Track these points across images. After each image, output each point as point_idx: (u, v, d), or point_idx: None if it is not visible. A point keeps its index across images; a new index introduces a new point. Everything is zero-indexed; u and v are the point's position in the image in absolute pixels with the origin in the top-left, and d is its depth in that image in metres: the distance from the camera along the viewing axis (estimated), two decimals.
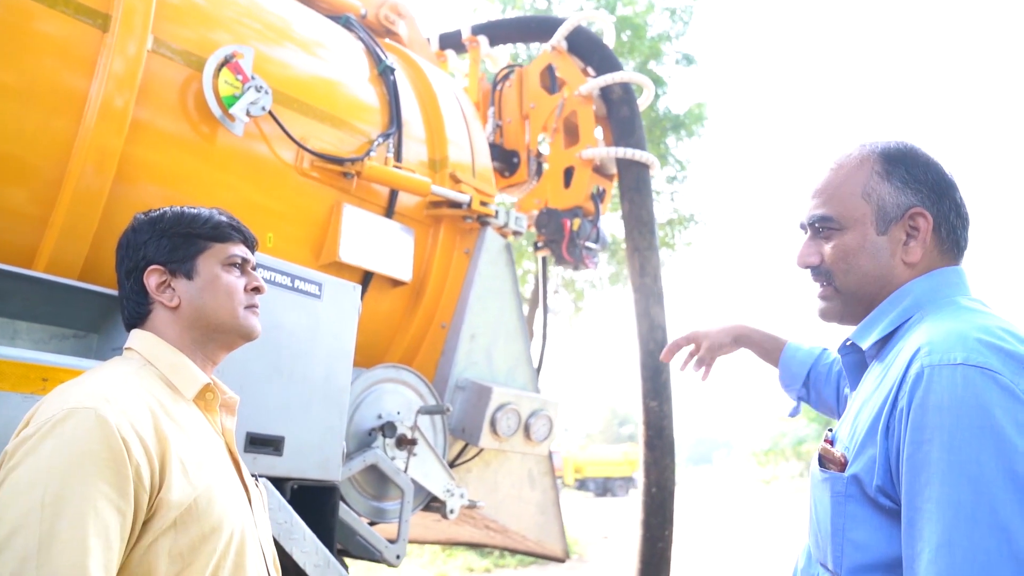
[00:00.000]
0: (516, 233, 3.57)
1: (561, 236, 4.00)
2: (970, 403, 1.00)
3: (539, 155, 4.32)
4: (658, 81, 12.18)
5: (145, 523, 1.07)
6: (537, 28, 4.60)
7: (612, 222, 11.45)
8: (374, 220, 2.96)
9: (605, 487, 31.17)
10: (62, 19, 2.16)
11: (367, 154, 2.89)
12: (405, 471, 2.72)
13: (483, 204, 3.31)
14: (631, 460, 31.51)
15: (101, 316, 2.22)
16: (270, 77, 2.62)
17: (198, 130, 2.45)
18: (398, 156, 3.11)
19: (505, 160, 4.28)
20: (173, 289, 1.31)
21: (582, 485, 31.27)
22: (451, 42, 4.61)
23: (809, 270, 1.35)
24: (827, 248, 1.30)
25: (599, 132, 4.20)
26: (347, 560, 2.70)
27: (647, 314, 3.88)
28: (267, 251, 2.53)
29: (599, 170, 4.14)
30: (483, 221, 3.37)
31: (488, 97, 4.44)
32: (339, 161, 2.82)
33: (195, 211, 1.35)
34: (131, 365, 1.25)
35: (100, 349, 2.22)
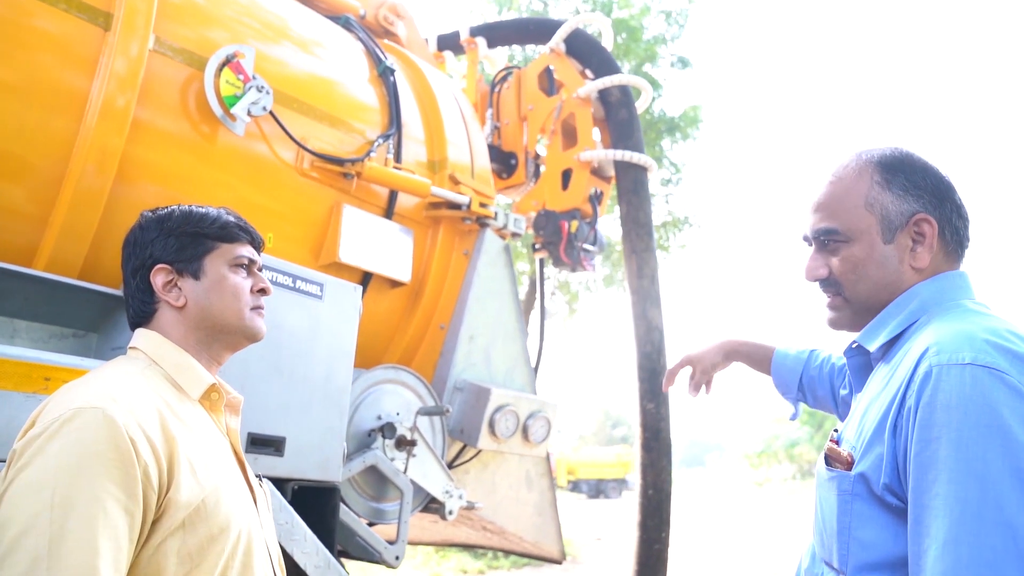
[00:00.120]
0: (515, 235, 3.58)
1: (559, 238, 4.01)
2: (978, 402, 1.01)
3: (537, 157, 4.33)
4: (653, 84, 12.21)
5: (154, 523, 1.07)
6: (535, 30, 4.61)
7: (607, 224, 11.48)
8: (373, 221, 2.96)
9: (598, 489, 31.17)
10: (64, 17, 2.16)
11: (367, 155, 2.89)
12: (404, 472, 2.72)
13: (482, 206, 3.31)
14: (624, 462, 31.53)
15: (101, 315, 2.21)
16: (271, 77, 2.61)
17: (199, 130, 2.45)
18: (398, 157, 3.11)
19: (503, 162, 4.28)
20: (179, 289, 1.31)
21: (575, 487, 31.25)
22: (449, 43, 4.61)
23: (817, 283, 1.36)
24: (835, 260, 1.31)
25: (597, 134, 4.21)
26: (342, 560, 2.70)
27: (644, 316, 3.88)
28: (267, 251, 2.53)
29: (597, 172, 4.15)
30: (482, 222, 3.38)
31: (486, 99, 4.44)
32: (339, 162, 2.82)
33: (203, 210, 1.35)
34: (136, 365, 1.25)
35: (100, 348, 2.21)
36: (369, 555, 2.57)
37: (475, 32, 4.54)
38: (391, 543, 2.63)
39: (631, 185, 4.00)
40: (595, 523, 17.29)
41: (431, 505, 2.97)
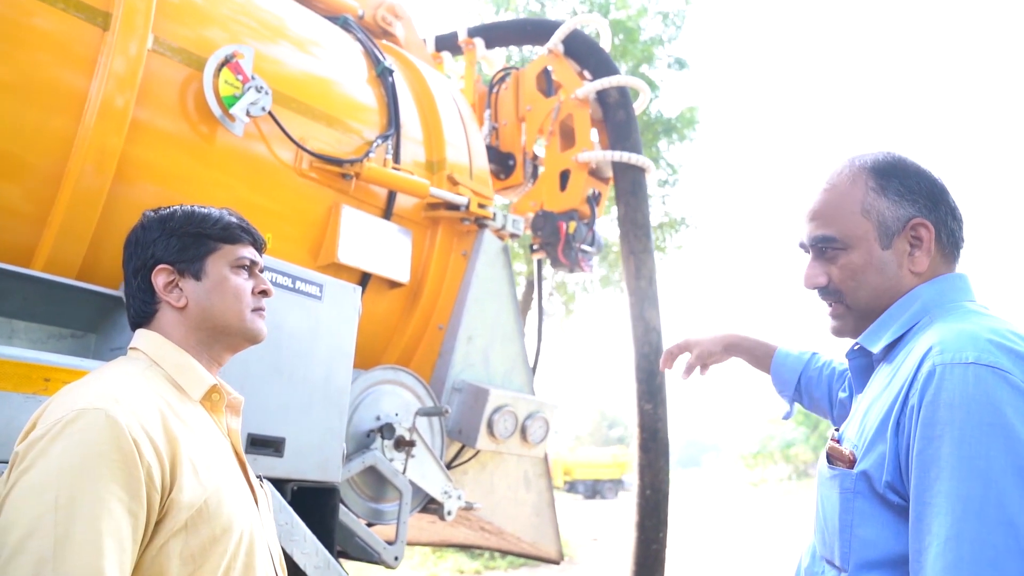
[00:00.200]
0: (513, 235, 3.58)
1: (557, 239, 4.01)
2: (981, 400, 1.02)
3: (535, 158, 4.33)
4: (650, 85, 12.23)
5: (157, 524, 1.06)
6: (534, 31, 4.61)
7: (604, 225, 11.48)
8: (372, 221, 2.96)
9: (594, 489, 31.17)
10: (63, 17, 2.15)
11: (366, 155, 2.89)
12: (403, 473, 2.72)
13: (481, 206, 3.31)
14: (620, 462, 31.53)
15: (99, 316, 2.21)
16: (269, 77, 2.61)
17: (198, 130, 2.45)
18: (396, 158, 3.11)
19: (501, 162, 4.28)
20: (181, 289, 1.30)
21: (571, 487, 31.25)
22: (447, 44, 4.61)
23: (817, 291, 1.36)
24: (833, 268, 1.32)
25: (595, 135, 4.22)
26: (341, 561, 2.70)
27: (642, 317, 3.89)
28: (266, 252, 2.53)
29: (595, 173, 4.15)
30: (481, 223, 3.38)
31: (484, 99, 4.45)
32: (338, 162, 2.82)
33: (205, 211, 1.34)
34: (137, 365, 1.24)
35: (98, 349, 2.21)
36: (368, 555, 2.57)
37: (473, 33, 4.54)
38: (390, 543, 2.63)
39: (629, 186, 4.01)
40: (591, 523, 17.31)
41: (430, 506, 2.97)
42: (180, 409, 1.20)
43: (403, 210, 3.15)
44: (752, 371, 1.93)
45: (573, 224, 4.00)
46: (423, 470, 2.85)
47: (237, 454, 1.32)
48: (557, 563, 3.80)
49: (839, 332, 1.38)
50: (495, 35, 4.63)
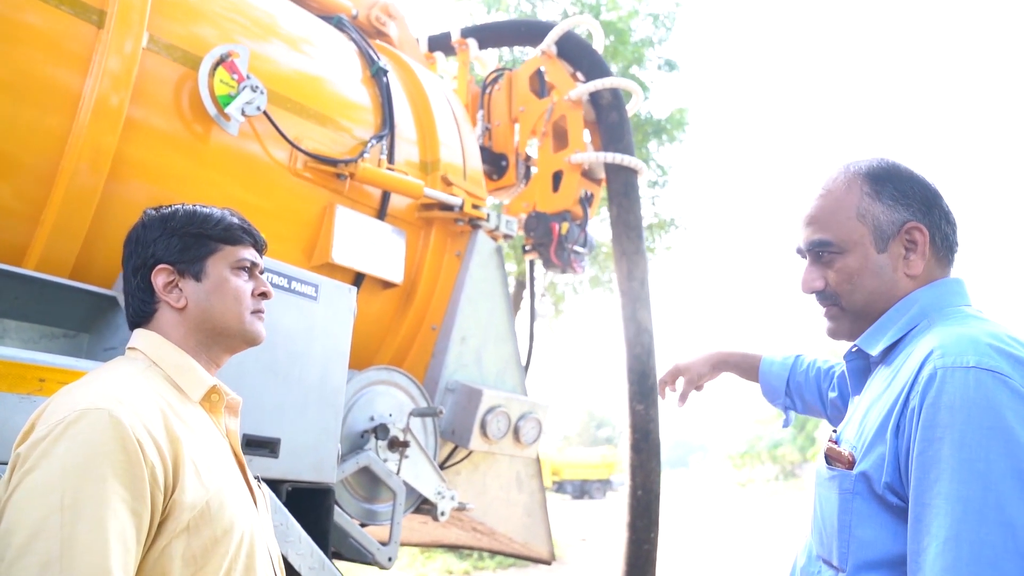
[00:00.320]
0: (507, 236, 3.59)
1: (549, 240, 4.01)
2: (981, 404, 1.04)
3: (527, 158, 4.33)
4: (641, 86, 12.24)
5: (159, 525, 1.06)
6: (527, 32, 4.61)
7: (594, 226, 11.49)
8: (366, 222, 2.96)
9: (582, 489, 31.23)
10: (57, 14, 2.14)
11: (361, 155, 2.89)
12: (397, 473, 2.72)
13: (475, 207, 3.31)
14: (608, 463, 31.60)
15: (92, 316, 2.19)
16: (264, 76, 2.60)
17: (192, 129, 2.44)
18: (391, 158, 3.11)
19: (493, 163, 4.28)
20: (180, 290, 1.29)
21: (560, 488, 31.29)
22: (440, 44, 4.61)
23: (814, 295, 1.38)
24: (830, 272, 1.34)
25: (587, 136, 4.23)
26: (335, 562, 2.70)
27: (634, 318, 3.90)
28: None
29: (587, 174, 4.16)
30: (474, 224, 3.38)
31: (477, 100, 4.45)
32: (333, 162, 2.81)
33: (207, 211, 1.34)
34: (136, 366, 1.23)
35: (91, 349, 2.19)
36: (362, 556, 2.56)
37: (466, 33, 4.54)
38: (383, 544, 2.63)
39: (622, 187, 4.02)
40: (580, 524, 17.34)
41: (423, 506, 2.97)
42: (180, 410, 1.19)
43: (397, 210, 3.15)
44: (717, 378, 1.98)
45: (566, 225, 4.00)
46: (417, 471, 2.85)
47: (236, 455, 1.32)
48: (548, 563, 3.80)
49: (835, 334, 1.39)
50: (488, 36, 4.63)
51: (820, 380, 1.77)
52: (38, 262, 2.17)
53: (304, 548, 2.07)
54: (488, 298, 3.41)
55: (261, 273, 1.40)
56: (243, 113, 2.47)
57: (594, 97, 4.10)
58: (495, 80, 4.44)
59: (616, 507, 23.13)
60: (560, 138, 4.21)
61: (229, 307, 1.31)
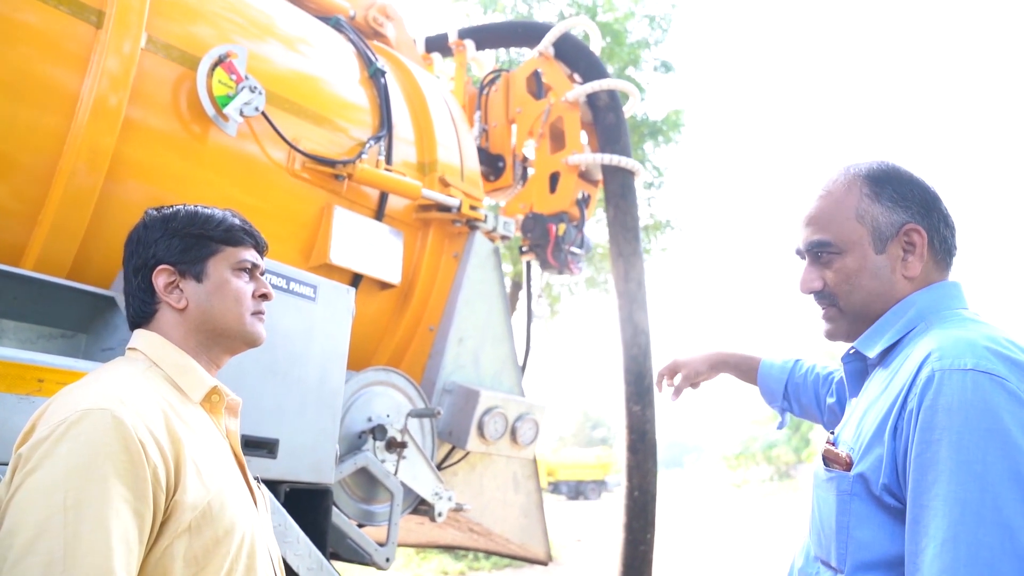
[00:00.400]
0: (504, 237, 3.59)
1: (546, 241, 4.02)
2: (979, 406, 1.05)
3: (525, 160, 4.34)
4: (637, 87, 12.26)
5: (161, 526, 1.06)
6: (524, 33, 4.62)
7: (590, 227, 11.49)
8: (364, 223, 2.96)
9: (578, 490, 31.26)
10: (56, 14, 2.13)
11: (359, 156, 2.89)
12: (395, 474, 2.72)
13: (472, 208, 3.32)
14: (604, 463, 31.64)
15: (90, 316, 2.19)
16: (263, 77, 2.60)
17: (190, 129, 2.44)
18: (389, 159, 3.11)
19: (490, 164, 4.29)
20: (181, 290, 1.29)
21: (555, 488, 31.31)
22: (437, 45, 4.61)
23: (812, 295, 1.39)
24: (828, 273, 1.35)
25: (584, 138, 4.23)
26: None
27: (631, 320, 3.91)
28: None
29: (584, 176, 4.17)
30: (472, 225, 3.39)
31: (474, 101, 4.45)
32: (331, 163, 2.81)
33: (208, 212, 1.34)
34: (137, 366, 1.23)
35: (88, 349, 2.19)
36: (359, 557, 2.56)
37: (463, 34, 4.54)
38: (381, 545, 2.63)
39: (618, 189, 4.03)
40: (575, 524, 17.34)
41: (420, 507, 2.97)
42: (181, 410, 1.20)
43: (395, 211, 3.15)
44: (715, 378, 1.99)
45: (563, 226, 4.01)
46: (414, 471, 2.85)
47: (236, 456, 1.32)
48: (545, 564, 3.81)
49: (832, 335, 1.40)
50: (485, 37, 4.63)
51: (818, 385, 1.78)
52: (36, 262, 2.17)
53: (302, 549, 2.07)
54: (485, 299, 3.41)
55: (262, 274, 1.40)
56: (241, 114, 2.47)
57: (591, 99, 4.10)
58: (492, 81, 4.45)
59: (611, 508, 23.16)
60: (557, 139, 4.21)
61: (230, 308, 1.31)
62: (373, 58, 3.29)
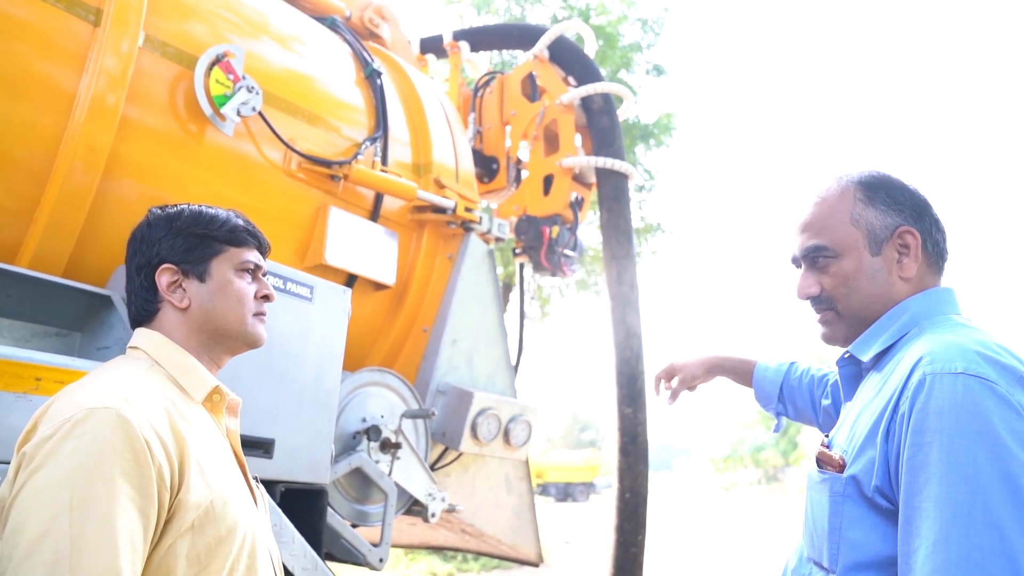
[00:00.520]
0: (499, 239, 3.60)
1: (540, 243, 4.03)
2: (969, 409, 1.07)
3: (519, 162, 4.35)
4: (630, 91, 12.30)
5: (165, 524, 1.06)
6: (519, 36, 4.64)
7: (581, 229, 11.50)
8: (359, 223, 2.96)
9: (566, 492, 31.27)
10: (54, 12, 2.13)
11: (355, 157, 2.89)
12: (389, 475, 2.72)
13: (467, 210, 3.33)
14: (592, 465, 31.67)
15: (85, 314, 2.19)
16: (260, 77, 2.60)
17: (187, 129, 2.44)
18: (384, 160, 3.12)
19: (484, 166, 4.30)
20: (184, 290, 1.30)
21: (543, 490, 31.30)
22: (432, 47, 4.62)
23: (809, 300, 1.41)
24: (825, 277, 1.37)
25: (578, 140, 4.25)
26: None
27: (624, 322, 3.93)
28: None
29: (578, 179, 4.19)
30: (467, 227, 3.39)
31: (469, 103, 4.46)
32: (327, 164, 2.81)
33: (212, 212, 1.34)
34: (139, 365, 1.24)
35: (83, 348, 2.18)
36: (353, 557, 2.57)
37: (458, 36, 4.55)
38: (375, 545, 2.63)
39: (612, 192, 4.05)
40: (564, 526, 17.35)
41: (413, 507, 2.97)
42: (184, 410, 1.20)
43: (390, 212, 3.15)
44: (711, 382, 2.01)
45: (556, 229, 4.03)
46: (408, 472, 2.85)
47: (237, 455, 1.33)
48: (536, 565, 3.82)
49: (829, 339, 1.42)
50: (480, 39, 4.65)
51: (813, 388, 1.80)
52: (31, 260, 2.16)
53: (298, 549, 2.07)
54: (480, 301, 3.42)
55: (264, 276, 1.40)
56: (239, 113, 2.47)
57: (586, 102, 4.12)
58: (487, 83, 4.46)
59: (599, 510, 23.18)
60: (551, 142, 4.23)
61: (232, 309, 1.32)
62: (369, 59, 3.30)
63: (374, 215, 3.07)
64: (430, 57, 4.61)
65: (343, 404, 2.72)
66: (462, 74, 4.57)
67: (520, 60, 4.39)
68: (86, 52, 2.18)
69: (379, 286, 3.09)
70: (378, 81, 3.23)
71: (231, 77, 2.45)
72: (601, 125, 4.11)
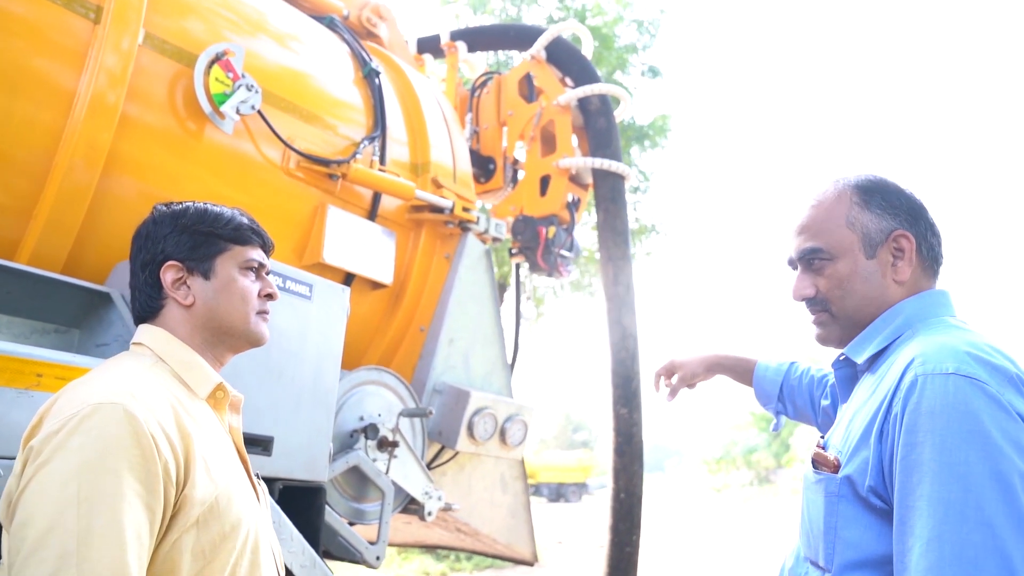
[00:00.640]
0: (496, 239, 3.61)
1: (536, 244, 4.04)
2: (960, 409, 1.09)
3: (515, 162, 4.36)
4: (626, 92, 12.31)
5: (170, 520, 1.07)
6: (516, 37, 4.64)
7: (576, 230, 11.51)
8: (357, 222, 2.97)
9: (558, 493, 31.30)
10: (54, 9, 2.13)
11: (353, 156, 2.90)
12: (386, 473, 2.73)
13: (465, 210, 3.34)
14: (585, 466, 31.72)
15: (83, 311, 2.19)
16: (258, 75, 2.61)
17: (186, 127, 2.44)
18: (382, 159, 3.12)
19: (481, 166, 4.30)
20: (188, 287, 1.30)
21: (536, 491, 31.31)
22: (429, 47, 4.63)
23: (804, 302, 1.43)
24: (821, 279, 1.39)
25: (575, 141, 4.26)
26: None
27: (620, 323, 3.94)
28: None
29: (575, 179, 4.20)
30: (464, 227, 3.40)
31: (466, 103, 4.46)
32: (325, 163, 2.82)
33: (218, 210, 1.35)
34: (144, 361, 1.24)
35: (82, 344, 2.18)
36: (350, 555, 2.57)
37: (455, 36, 4.56)
38: (371, 543, 2.64)
39: (609, 193, 4.06)
40: (556, 527, 17.37)
41: (409, 506, 2.98)
42: (189, 406, 1.21)
43: (387, 212, 3.16)
44: (716, 380, 2.02)
45: (552, 229, 4.03)
46: (405, 471, 2.86)
47: (239, 452, 1.33)
48: (531, 565, 3.83)
49: (824, 340, 1.44)
50: (477, 39, 4.65)
51: (813, 388, 1.82)
52: (30, 257, 2.16)
53: (296, 546, 2.08)
54: (477, 301, 3.43)
55: (267, 274, 1.41)
56: (238, 112, 2.47)
57: (583, 103, 4.14)
58: (484, 83, 4.47)
59: (592, 511, 23.20)
60: (548, 143, 4.24)
61: (236, 307, 1.32)
62: (367, 58, 3.30)
63: (372, 214, 3.08)
64: (427, 57, 4.62)
65: (341, 402, 2.72)
66: (459, 74, 4.57)
67: (517, 61, 4.40)
68: (86, 49, 2.18)
69: (376, 285, 3.09)
70: (376, 80, 3.24)
71: (231, 75, 2.45)
72: (598, 126, 4.12)
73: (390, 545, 3.95)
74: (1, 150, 2.08)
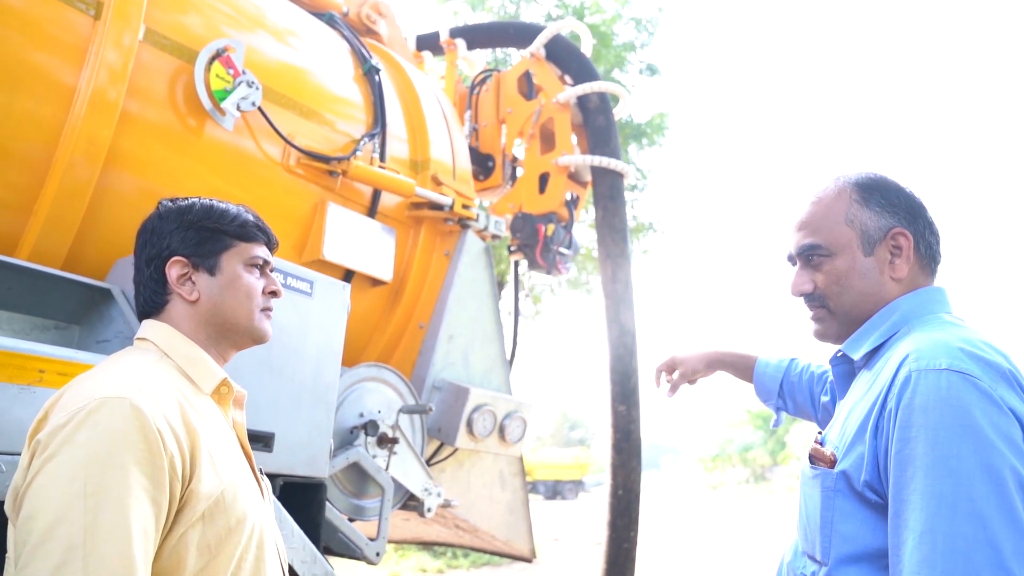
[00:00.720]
0: (495, 237, 3.62)
1: (535, 241, 4.05)
2: (953, 404, 1.10)
3: (514, 159, 4.36)
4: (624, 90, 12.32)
5: (176, 514, 1.08)
6: (515, 34, 4.64)
7: (576, 227, 11.51)
8: (357, 219, 2.98)
9: (555, 490, 31.34)
10: (54, 5, 2.13)
11: (353, 153, 2.90)
12: (386, 470, 2.74)
13: (464, 207, 3.34)
14: (581, 464, 31.74)
15: (84, 307, 2.19)
16: (259, 72, 2.61)
17: (187, 123, 2.44)
18: (382, 156, 3.13)
19: (480, 163, 4.31)
20: (193, 283, 1.31)
21: (532, 488, 31.33)
22: (428, 44, 4.63)
23: (803, 298, 1.44)
24: (819, 275, 1.41)
25: (574, 139, 4.27)
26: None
27: (618, 320, 3.95)
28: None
29: (574, 177, 4.20)
30: (464, 224, 3.41)
31: (465, 100, 4.47)
32: (326, 159, 2.82)
33: (223, 206, 1.35)
34: (149, 356, 1.24)
35: (82, 341, 2.19)
36: (350, 551, 2.58)
37: (455, 33, 4.56)
38: (371, 540, 2.65)
39: (607, 191, 4.07)
40: (553, 524, 17.40)
41: (409, 503, 2.99)
42: (194, 401, 1.21)
43: (387, 209, 3.17)
44: (712, 376, 2.03)
45: (551, 227, 4.04)
46: (405, 467, 2.87)
47: (243, 447, 1.34)
48: (530, 561, 3.84)
49: (822, 336, 1.46)
50: (477, 36, 4.65)
51: (813, 384, 1.83)
52: (30, 253, 2.16)
53: (297, 542, 2.09)
54: (476, 298, 3.44)
55: (272, 271, 1.41)
56: (238, 108, 2.48)
57: (582, 100, 4.14)
58: (483, 81, 4.47)
59: (589, 508, 23.24)
60: (547, 140, 4.25)
61: (240, 303, 1.33)
62: (367, 55, 3.31)
63: (372, 211, 3.08)
64: (426, 54, 4.62)
65: (341, 399, 2.73)
66: (458, 71, 4.58)
67: (516, 58, 4.40)
68: (87, 45, 2.18)
69: (376, 282, 3.10)
70: (376, 77, 3.24)
71: (231, 72, 2.45)
72: (597, 124, 4.13)
73: (390, 542, 3.96)
74: (1, 146, 2.08)
